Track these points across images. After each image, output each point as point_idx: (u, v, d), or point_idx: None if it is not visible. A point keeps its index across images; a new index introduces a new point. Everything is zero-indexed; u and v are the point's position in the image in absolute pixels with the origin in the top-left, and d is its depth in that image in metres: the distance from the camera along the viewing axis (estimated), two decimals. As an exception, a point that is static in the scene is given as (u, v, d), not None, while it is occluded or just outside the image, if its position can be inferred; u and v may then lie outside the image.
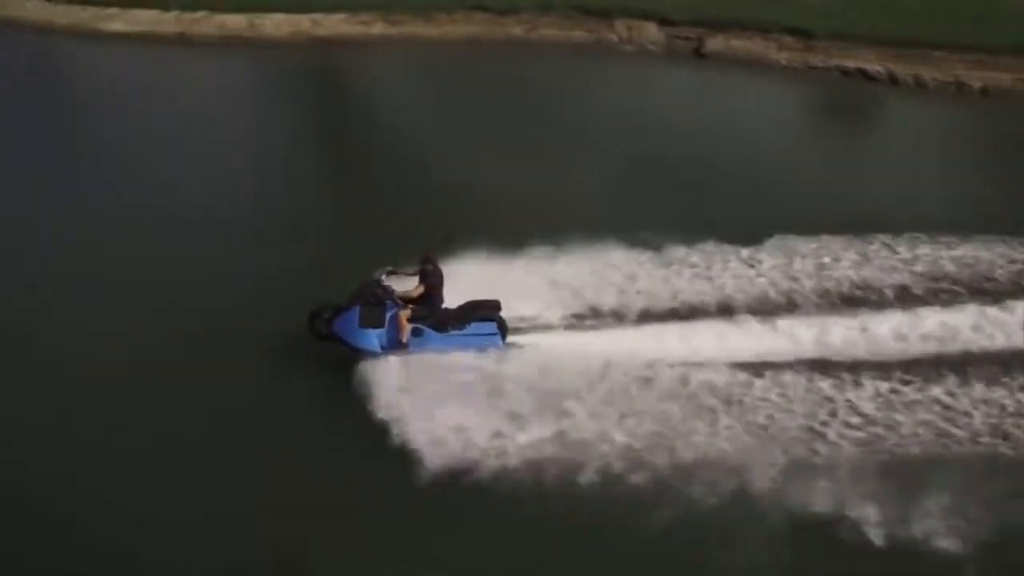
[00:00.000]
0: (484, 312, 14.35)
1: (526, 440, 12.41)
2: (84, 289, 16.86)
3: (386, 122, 24.09)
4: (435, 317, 14.25)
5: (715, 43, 25.98)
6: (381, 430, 12.70)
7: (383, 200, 19.55)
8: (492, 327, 14.25)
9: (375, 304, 14.17)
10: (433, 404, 12.94)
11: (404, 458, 12.26)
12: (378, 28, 28.39)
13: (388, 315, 14.16)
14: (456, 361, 13.91)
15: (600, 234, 16.21)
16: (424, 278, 14.22)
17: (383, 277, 14.40)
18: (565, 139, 21.81)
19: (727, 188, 18.93)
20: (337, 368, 14.05)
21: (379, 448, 12.47)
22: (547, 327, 14.79)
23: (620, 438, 12.44)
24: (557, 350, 14.17)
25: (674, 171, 19.80)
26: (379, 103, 25.46)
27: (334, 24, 28.62)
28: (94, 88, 27.46)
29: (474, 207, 18.24)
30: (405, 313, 14.14)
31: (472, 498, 11.83)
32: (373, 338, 14.10)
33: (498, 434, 12.52)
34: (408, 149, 21.99)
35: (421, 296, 14.24)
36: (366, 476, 12.44)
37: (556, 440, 12.45)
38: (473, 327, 14.20)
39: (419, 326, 14.19)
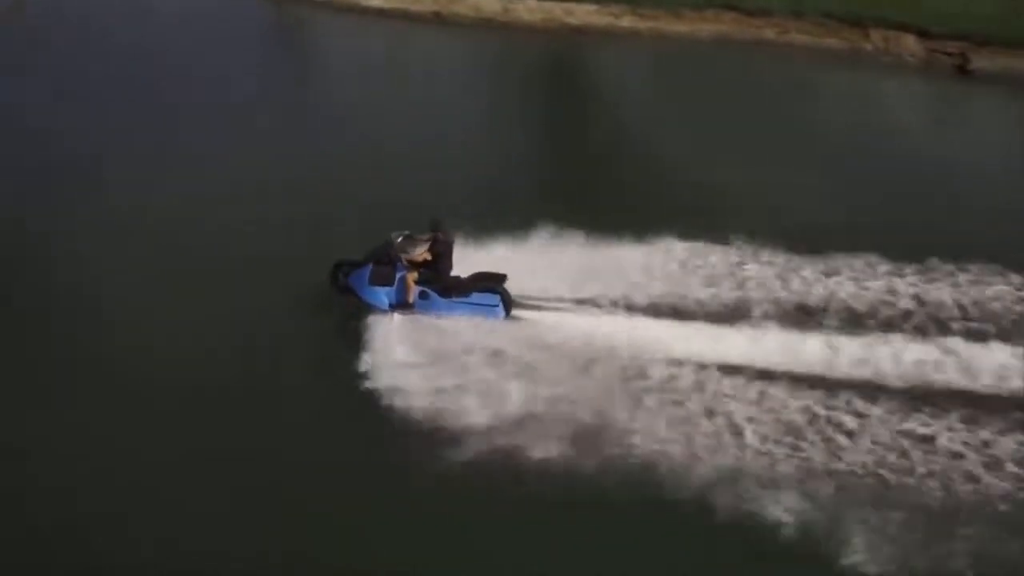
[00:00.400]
0: (489, 283, 15.17)
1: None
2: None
3: (617, 113, 24.55)
4: (442, 283, 15.21)
5: (978, 59, 25.06)
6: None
7: (589, 184, 20.17)
8: (495, 299, 15.10)
9: (386, 264, 15.27)
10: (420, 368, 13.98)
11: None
12: (627, 20, 28.99)
13: (397, 276, 15.20)
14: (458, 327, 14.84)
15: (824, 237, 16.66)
16: (433, 245, 15.16)
17: (398, 239, 15.41)
18: (804, 145, 21.67)
19: (973, 214, 18.35)
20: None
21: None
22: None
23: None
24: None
25: (917, 189, 19.48)
26: (615, 93, 25.97)
27: (585, 14, 29.40)
28: (340, 61, 28.77)
29: (685, 199, 18.64)
30: (412, 275, 15.16)
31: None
32: (382, 295, 15.34)
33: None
34: (635, 140, 22.40)
35: (426, 261, 15.18)
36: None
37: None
38: (476, 296, 15.15)
39: (426, 289, 15.21)
